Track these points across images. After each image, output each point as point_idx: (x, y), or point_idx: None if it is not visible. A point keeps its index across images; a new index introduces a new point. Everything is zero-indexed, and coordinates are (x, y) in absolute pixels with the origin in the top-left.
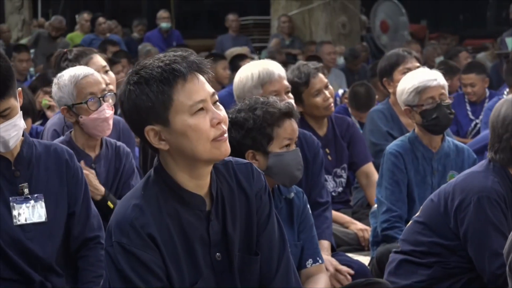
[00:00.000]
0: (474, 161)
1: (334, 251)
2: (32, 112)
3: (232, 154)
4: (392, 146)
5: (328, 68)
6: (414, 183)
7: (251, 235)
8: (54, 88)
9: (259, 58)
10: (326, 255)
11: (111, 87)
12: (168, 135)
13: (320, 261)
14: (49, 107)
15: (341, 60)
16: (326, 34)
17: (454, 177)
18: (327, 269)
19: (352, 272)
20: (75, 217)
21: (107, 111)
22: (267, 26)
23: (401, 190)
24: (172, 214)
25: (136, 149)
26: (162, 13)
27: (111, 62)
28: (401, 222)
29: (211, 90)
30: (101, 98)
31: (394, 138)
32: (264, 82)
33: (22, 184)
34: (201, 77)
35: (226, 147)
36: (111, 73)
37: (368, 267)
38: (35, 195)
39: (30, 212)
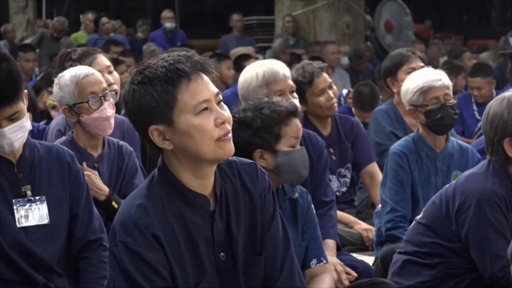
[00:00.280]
0: (478, 161)
1: (339, 251)
2: (33, 108)
3: (240, 154)
4: (396, 146)
5: (332, 68)
6: (418, 183)
7: (255, 235)
8: (55, 88)
9: (264, 58)
10: (331, 254)
11: (115, 87)
12: (172, 135)
13: (324, 261)
14: (54, 107)
15: (345, 60)
16: (330, 34)
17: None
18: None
19: (355, 274)
20: (77, 220)
21: (108, 110)
22: (271, 26)
23: (405, 190)
24: (176, 214)
25: None
26: (167, 13)
27: (115, 62)
28: (405, 222)
29: (215, 90)
30: (102, 97)
31: (398, 138)
32: (269, 81)
33: (25, 187)
34: (205, 77)
35: (230, 147)
36: (115, 73)
37: (372, 267)
38: (38, 197)
39: (33, 214)
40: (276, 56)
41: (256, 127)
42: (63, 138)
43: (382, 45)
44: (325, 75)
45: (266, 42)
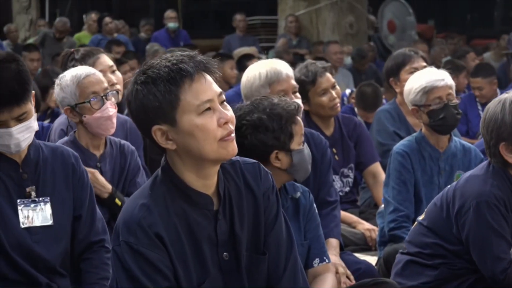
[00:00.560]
0: (481, 160)
1: (342, 250)
2: (37, 104)
3: (258, 157)
4: (399, 146)
5: (335, 68)
6: (421, 183)
7: (258, 235)
8: (56, 89)
9: (267, 58)
10: (334, 254)
11: (118, 87)
12: (175, 135)
13: (327, 261)
14: None
15: (348, 60)
16: (333, 34)
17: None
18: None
19: (353, 282)
20: (81, 221)
21: (110, 109)
22: (274, 26)
23: (408, 190)
24: (179, 213)
25: None
26: (170, 13)
27: (118, 62)
28: (408, 222)
29: (218, 90)
30: (103, 97)
31: (401, 138)
32: (272, 81)
33: (30, 187)
34: (208, 77)
35: (233, 146)
36: (118, 73)
37: (375, 267)
38: (42, 198)
39: (37, 215)
40: (279, 56)
41: (273, 128)
42: (65, 138)
43: (385, 45)
44: (328, 75)
45: (269, 42)
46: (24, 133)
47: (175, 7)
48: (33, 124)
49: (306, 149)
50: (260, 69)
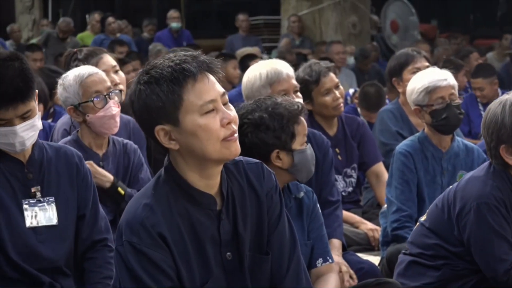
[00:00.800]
0: (484, 160)
1: (345, 250)
2: (44, 99)
3: (258, 155)
4: (401, 145)
5: (338, 68)
6: (424, 182)
7: (261, 235)
8: (59, 89)
9: (270, 58)
10: (337, 254)
11: (121, 87)
12: (178, 135)
13: (330, 261)
14: None
15: (351, 60)
16: (336, 34)
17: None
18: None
19: (355, 282)
20: (84, 220)
21: (114, 108)
22: (277, 26)
23: (411, 190)
24: (182, 213)
25: None
26: (172, 13)
27: (121, 62)
28: (411, 222)
29: (222, 90)
30: (107, 96)
31: (404, 138)
32: (272, 81)
33: (35, 187)
34: (211, 77)
35: (236, 147)
36: (121, 73)
37: (378, 267)
38: (47, 198)
39: (42, 215)
40: (282, 56)
41: (274, 128)
42: (68, 137)
43: (388, 45)
44: (332, 75)
45: (272, 42)
46: (28, 132)
47: (178, 7)
48: (37, 122)
49: (309, 149)
50: (260, 69)
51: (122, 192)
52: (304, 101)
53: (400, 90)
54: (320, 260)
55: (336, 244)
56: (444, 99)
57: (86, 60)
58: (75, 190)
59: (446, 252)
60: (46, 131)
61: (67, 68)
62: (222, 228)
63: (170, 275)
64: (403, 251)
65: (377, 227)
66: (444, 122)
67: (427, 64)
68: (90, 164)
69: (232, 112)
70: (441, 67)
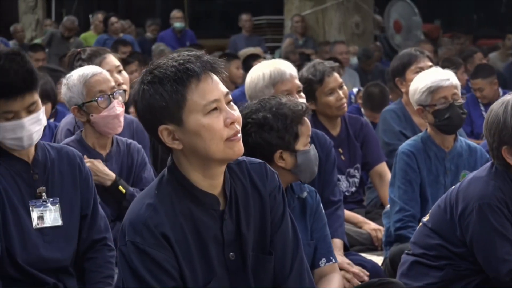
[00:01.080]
0: (487, 160)
1: (347, 250)
2: (54, 99)
3: (261, 155)
4: (404, 145)
5: (342, 68)
6: (427, 182)
7: (265, 235)
8: (63, 89)
9: (273, 58)
10: (339, 254)
11: (125, 87)
12: (182, 135)
13: (333, 261)
14: None
15: (354, 60)
16: (339, 34)
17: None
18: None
19: (366, 274)
20: (85, 220)
21: (118, 108)
22: (281, 26)
23: (414, 190)
24: (185, 213)
25: None
26: (176, 13)
27: (125, 62)
28: (414, 222)
29: (225, 89)
30: (110, 96)
31: (407, 137)
32: (276, 81)
33: (41, 188)
34: (215, 77)
35: (240, 146)
36: (124, 73)
37: (382, 267)
38: (52, 199)
39: (48, 216)
40: (286, 56)
41: (277, 128)
42: (71, 137)
43: (392, 45)
44: (336, 74)
45: (275, 42)
46: (35, 125)
47: (181, 7)
48: (42, 117)
49: (312, 150)
50: (263, 69)
51: (123, 190)
52: (307, 100)
53: (403, 90)
54: (323, 260)
55: (337, 244)
56: (447, 99)
57: (89, 60)
58: (78, 190)
59: (449, 252)
60: (52, 130)
61: (71, 68)
62: (225, 228)
63: (173, 275)
64: (406, 251)
65: (380, 227)
66: (447, 122)
67: (430, 64)
68: (91, 162)
69: (236, 112)
70: (441, 67)
